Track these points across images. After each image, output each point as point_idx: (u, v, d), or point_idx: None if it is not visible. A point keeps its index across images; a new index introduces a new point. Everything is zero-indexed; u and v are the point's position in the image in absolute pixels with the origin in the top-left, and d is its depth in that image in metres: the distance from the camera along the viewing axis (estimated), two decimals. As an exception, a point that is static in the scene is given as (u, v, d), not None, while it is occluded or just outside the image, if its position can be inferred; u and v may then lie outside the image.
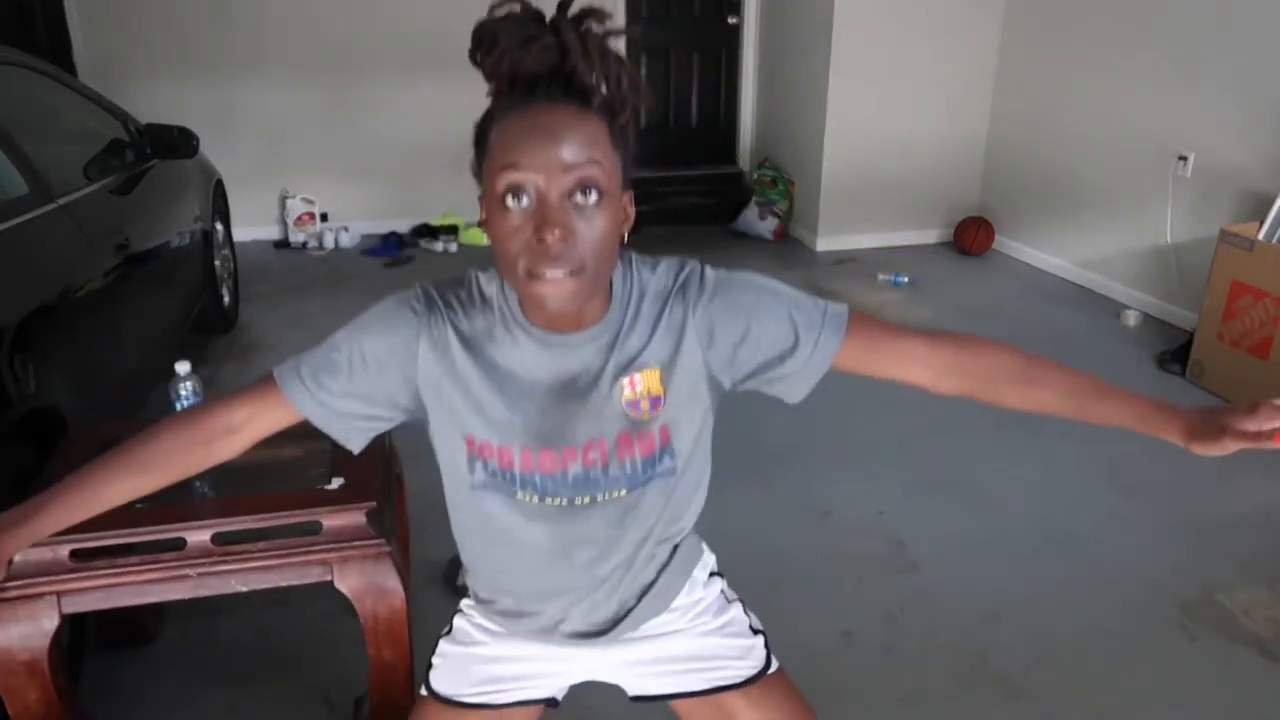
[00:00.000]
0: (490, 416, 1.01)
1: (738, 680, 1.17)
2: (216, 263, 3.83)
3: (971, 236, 5.18)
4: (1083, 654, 2.11)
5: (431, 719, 1.20)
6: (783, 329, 1.03)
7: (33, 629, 1.54)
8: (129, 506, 1.65)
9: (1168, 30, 4.02)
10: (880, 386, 3.67)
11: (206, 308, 3.71)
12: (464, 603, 1.27)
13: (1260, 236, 3.27)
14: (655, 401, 1.02)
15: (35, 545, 1.52)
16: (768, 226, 5.48)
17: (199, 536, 1.58)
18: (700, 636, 1.20)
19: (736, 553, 2.40)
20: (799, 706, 1.20)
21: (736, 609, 1.25)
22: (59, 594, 1.55)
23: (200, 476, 1.79)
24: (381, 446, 1.90)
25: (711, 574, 1.26)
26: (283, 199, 5.39)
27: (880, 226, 5.31)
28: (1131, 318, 4.14)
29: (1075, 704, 1.97)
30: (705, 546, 1.27)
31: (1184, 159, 3.97)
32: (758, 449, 2.90)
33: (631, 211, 0.97)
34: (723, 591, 1.26)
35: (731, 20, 5.83)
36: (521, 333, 1.00)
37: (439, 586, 2.30)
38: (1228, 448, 1.02)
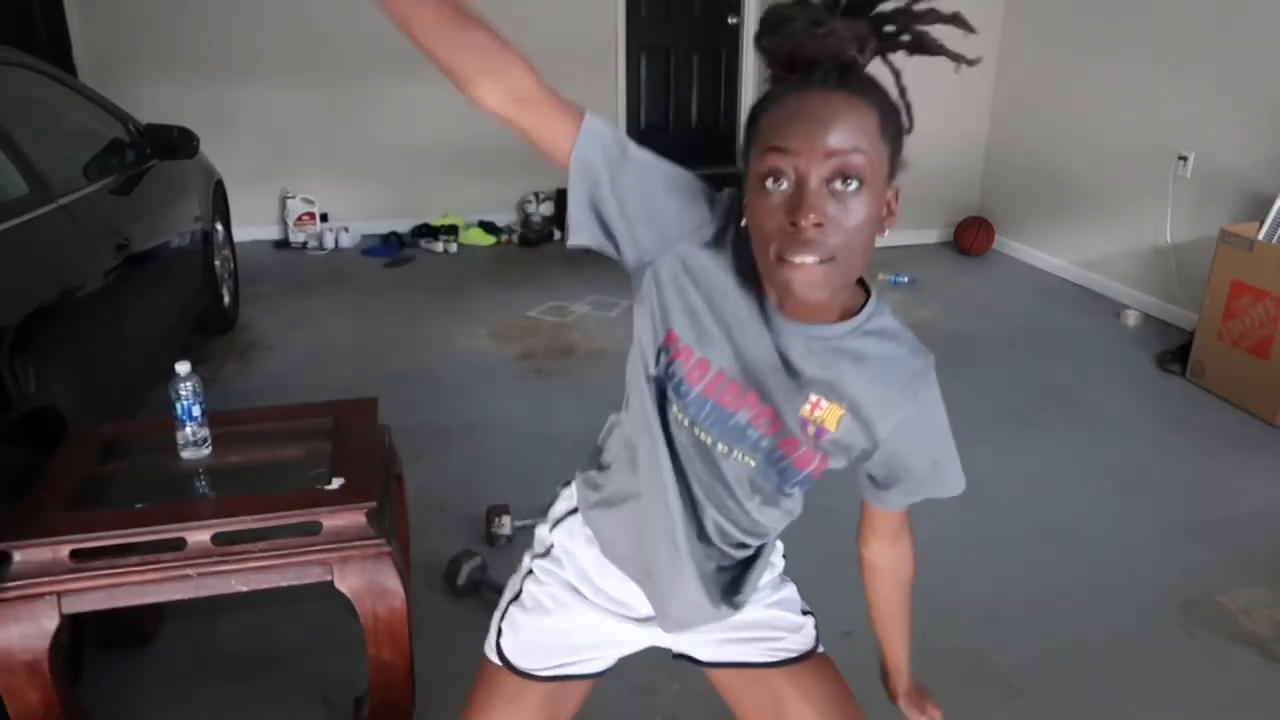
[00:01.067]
0: (706, 331, 0.99)
1: (785, 657, 1.21)
2: (216, 263, 3.83)
3: (971, 236, 5.18)
4: (1083, 654, 2.11)
5: (503, 688, 1.21)
6: (932, 465, 1.12)
7: (33, 629, 1.54)
8: (130, 505, 1.66)
9: (1168, 30, 4.02)
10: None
11: (206, 308, 3.70)
12: (537, 564, 1.25)
13: (1260, 236, 3.27)
14: (821, 431, 1.02)
15: (35, 545, 1.53)
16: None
17: (199, 536, 1.59)
18: (763, 608, 1.24)
19: (736, 553, 2.41)
20: (841, 689, 1.24)
21: (791, 587, 1.31)
22: (59, 594, 1.55)
23: (200, 476, 1.81)
24: (382, 446, 1.91)
25: (780, 549, 1.33)
26: (283, 199, 5.39)
27: (880, 226, 5.30)
28: (1131, 318, 4.14)
29: (1075, 704, 1.97)
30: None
31: (1184, 159, 3.97)
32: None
33: (896, 208, 0.95)
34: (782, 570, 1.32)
35: (731, 20, 5.83)
36: (756, 301, 0.98)
37: (439, 586, 2.30)
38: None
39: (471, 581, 2.27)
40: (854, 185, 0.87)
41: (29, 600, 1.53)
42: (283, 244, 5.40)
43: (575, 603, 1.22)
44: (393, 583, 1.66)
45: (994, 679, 2.03)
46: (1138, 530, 2.61)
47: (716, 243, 0.99)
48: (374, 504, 1.64)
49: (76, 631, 1.95)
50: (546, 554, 1.25)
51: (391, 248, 5.28)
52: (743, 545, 1.15)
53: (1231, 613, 2.25)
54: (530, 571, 1.25)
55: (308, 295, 4.56)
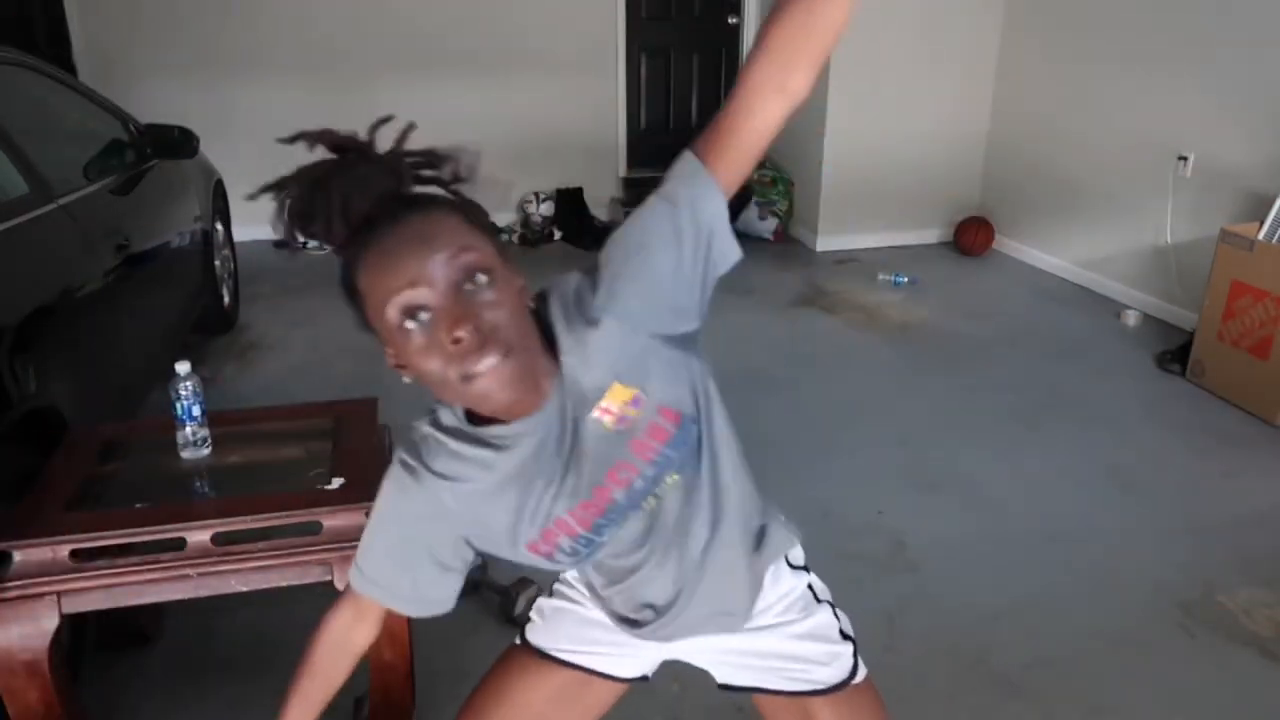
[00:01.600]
0: (522, 520, 1.03)
1: (821, 687, 1.18)
2: (216, 263, 3.83)
3: (971, 236, 5.18)
4: (1083, 654, 2.11)
5: (520, 666, 1.22)
6: (667, 240, 0.94)
7: (33, 629, 1.54)
8: (130, 505, 1.66)
9: (1168, 31, 4.02)
10: (880, 385, 3.68)
11: (206, 308, 3.70)
12: (565, 575, 1.30)
13: (1260, 236, 3.27)
14: (635, 402, 0.97)
15: (35, 545, 1.53)
16: (768, 226, 5.48)
17: (199, 536, 1.59)
18: (789, 639, 1.21)
19: (736, 553, 2.41)
20: (879, 717, 1.22)
21: (826, 612, 1.24)
22: (59, 594, 1.55)
23: (200, 476, 1.81)
24: (382, 446, 1.90)
25: (798, 568, 1.27)
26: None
27: (880, 226, 5.31)
28: (1131, 318, 4.14)
29: (1075, 704, 1.97)
30: (796, 539, 1.27)
31: (1184, 159, 3.97)
32: (757, 449, 2.89)
33: (522, 282, 0.94)
34: (811, 587, 1.26)
35: (731, 20, 5.83)
36: (494, 441, 0.99)
37: (439, 586, 2.30)
38: None
39: (471, 581, 2.27)
40: (484, 279, 0.87)
41: (29, 600, 1.53)
42: (283, 244, 5.39)
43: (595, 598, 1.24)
44: (393, 583, 1.66)
45: (994, 679, 2.03)
46: (1137, 530, 2.61)
47: (436, 487, 1.03)
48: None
49: (76, 631, 1.95)
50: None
51: (391, 248, 5.27)
52: (741, 510, 1.13)
53: (1231, 613, 2.25)
54: (560, 577, 1.30)
55: (308, 295, 4.56)
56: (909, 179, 5.22)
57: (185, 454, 1.81)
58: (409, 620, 1.70)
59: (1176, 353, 3.65)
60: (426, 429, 1.05)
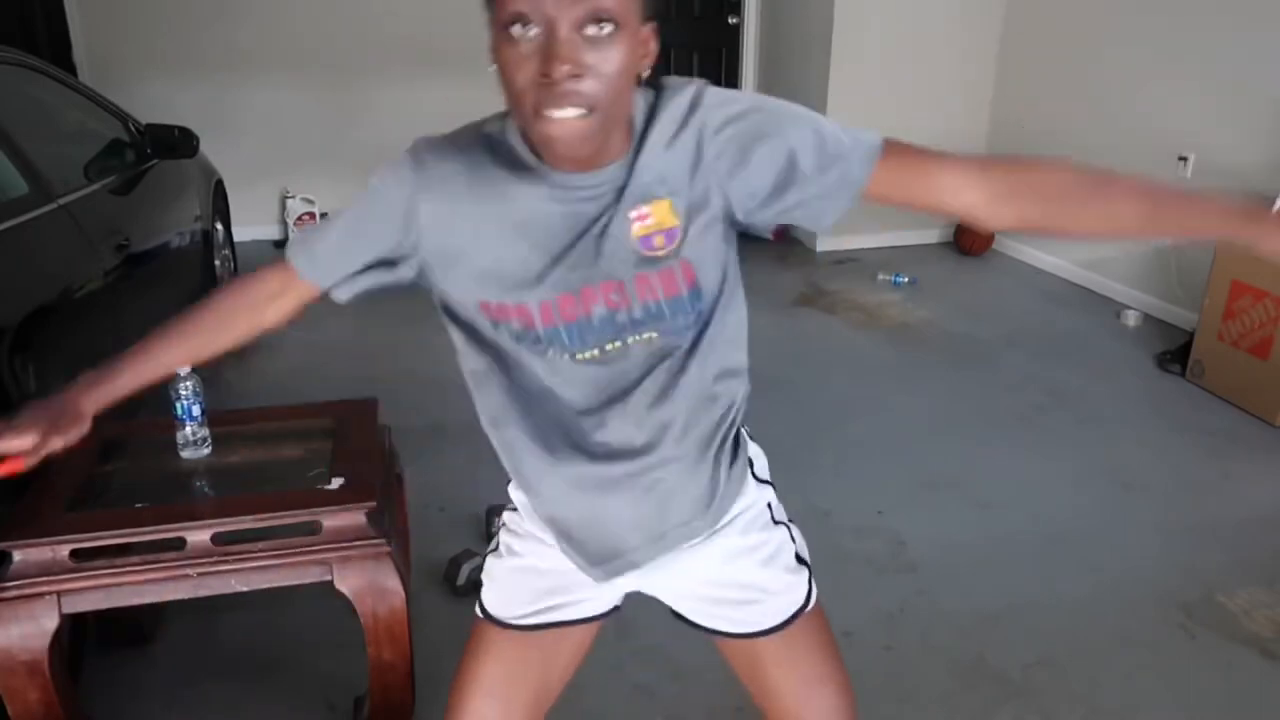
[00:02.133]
0: (504, 270, 0.96)
1: (772, 625, 1.15)
2: (216, 263, 3.83)
3: (971, 236, 5.18)
4: (1083, 654, 2.11)
5: (492, 643, 1.17)
6: (807, 151, 0.94)
7: (33, 629, 1.54)
8: (130, 505, 1.66)
9: (1168, 30, 4.02)
10: (879, 385, 3.68)
11: (206, 308, 3.70)
12: (507, 515, 1.22)
13: (1260, 236, 3.27)
14: (670, 235, 0.94)
15: (35, 545, 1.53)
16: (768, 226, 5.47)
17: (199, 536, 1.59)
18: (745, 561, 1.15)
19: (736, 553, 2.40)
20: (827, 650, 1.19)
21: (783, 533, 1.19)
22: (59, 594, 1.55)
23: (200, 476, 1.81)
24: (381, 446, 1.91)
25: (763, 481, 1.20)
26: (283, 199, 5.39)
27: (880, 226, 5.30)
28: (1131, 318, 4.14)
29: (1075, 704, 1.97)
30: (758, 447, 1.22)
31: (1184, 159, 3.97)
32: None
33: (654, 47, 0.89)
34: (770, 506, 1.20)
35: (731, 20, 5.83)
36: (531, 174, 0.94)
37: (439, 586, 2.30)
38: None
39: (471, 581, 2.27)
40: (608, 29, 0.81)
41: (29, 600, 1.53)
42: (283, 244, 5.40)
43: (545, 545, 1.16)
44: (393, 583, 1.66)
45: (994, 679, 2.03)
46: (1138, 530, 2.61)
47: (439, 186, 0.97)
48: (374, 504, 1.64)
49: (76, 631, 1.95)
50: (515, 509, 1.21)
51: (391, 248, 5.27)
52: (713, 397, 1.07)
53: (1231, 613, 2.25)
54: (504, 524, 1.22)
55: (308, 295, 4.55)
56: (909, 179, 5.21)
57: (185, 454, 1.81)
58: (409, 620, 1.70)
59: (1176, 353, 3.65)
60: (472, 124, 0.99)
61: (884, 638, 2.16)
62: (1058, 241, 4.81)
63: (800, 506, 2.68)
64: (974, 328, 4.13)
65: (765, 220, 1.00)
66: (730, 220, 1.00)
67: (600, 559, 1.11)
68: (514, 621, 1.16)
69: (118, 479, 1.80)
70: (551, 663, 1.18)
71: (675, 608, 1.21)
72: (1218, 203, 0.91)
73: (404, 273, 1.03)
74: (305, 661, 2.08)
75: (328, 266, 1.06)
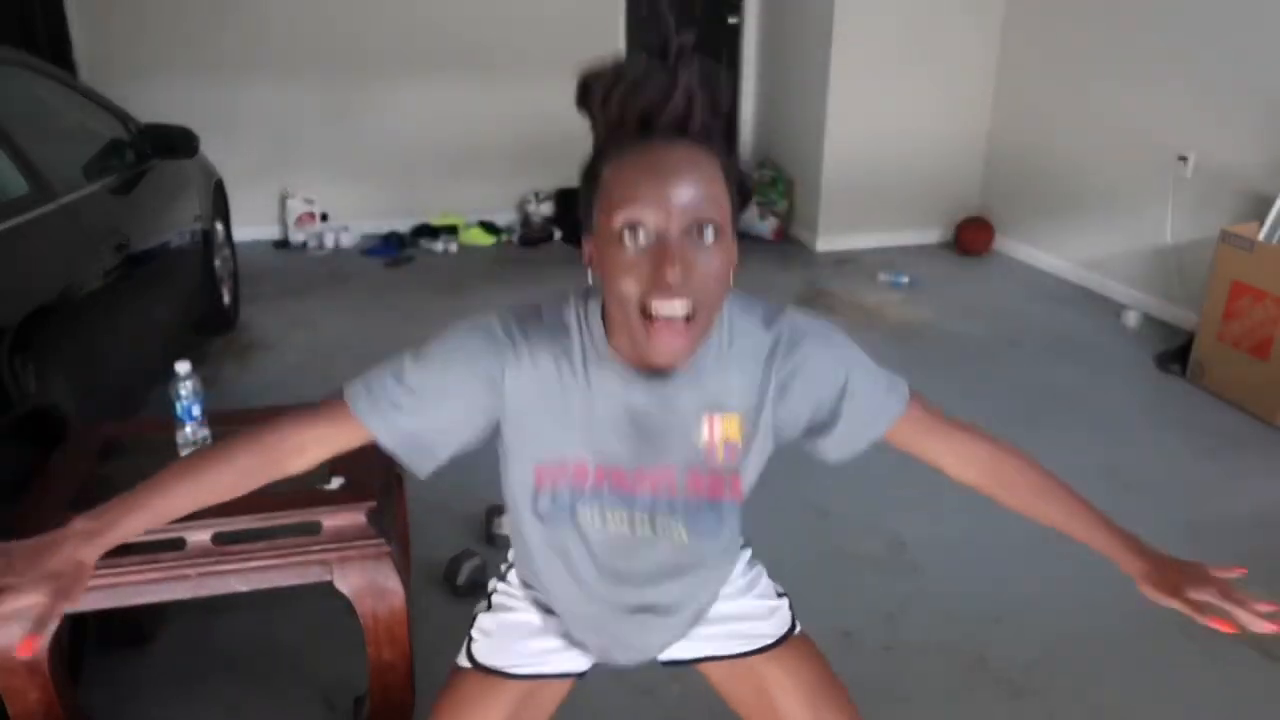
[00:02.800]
0: (566, 435, 1.02)
1: (766, 643, 1.22)
2: (216, 263, 3.83)
3: (971, 236, 5.18)
4: (1083, 654, 2.11)
5: (470, 690, 1.20)
6: (852, 400, 1.06)
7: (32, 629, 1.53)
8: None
9: (1168, 31, 4.02)
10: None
11: (206, 308, 3.70)
12: (501, 586, 1.29)
13: (1260, 237, 3.27)
14: (731, 449, 1.03)
15: (35, 545, 1.52)
16: (767, 226, 5.48)
17: (199, 536, 1.59)
18: (729, 599, 1.25)
19: (736, 553, 2.40)
20: (822, 668, 1.24)
21: (761, 571, 1.31)
22: (59, 594, 1.54)
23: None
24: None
25: (741, 549, 1.32)
26: (283, 199, 5.39)
27: (880, 226, 5.31)
28: (1131, 318, 4.14)
29: (1075, 704, 1.97)
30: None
31: (1184, 159, 3.97)
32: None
33: (734, 253, 0.95)
34: (744, 547, 1.32)
35: (731, 20, 5.84)
36: (603, 363, 1.00)
37: (439, 586, 2.30)
38: (1172, 604, 1.07)
39: (471, 581, 2.27)
40: (711, 235, 0.88)
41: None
42: (283, 244, 5.40)
43: (540, 613, 1.25)
44: (393, 583, 1.66)
45: (994, 679, 2.03)
46: (1138, 530, 2.58)
47: (524, 360, 1.00)
48: (374, 504, 1.64)
49: (76, 631, 1.95)
50: (509, 585, 1.30)
51: (391, 248, 5.28)
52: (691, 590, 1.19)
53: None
54: (495, 589, 1.30)
55: (308, 295, 4.56)
56: (909, 179, 5.22)
57: (185, 454, 1.81)
58: (409, 620, 1.70)
59: (1177, 353, 3.65)
60: (549, 307, 1.04)
61: (884, 638, 2.16)
62: (1058, 242, 4.82)
63: (800, 506, 2.69)
64: (974, 328, 4.13)
65: (791, 441, 1.11)
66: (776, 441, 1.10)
67: (604, 657, 1.23)
68: (505, 670, 1.21)
69: (118, 479, 1.79)
70: (538, 709, 1.23)
71: (667, 655, 1.27)
72: (1117, 536, 1.11)
73: (480, 430, 1.05)
74: (305, 661, 2.08)
75: (396, 423, 1.02)
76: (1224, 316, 3.35)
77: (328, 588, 1.65)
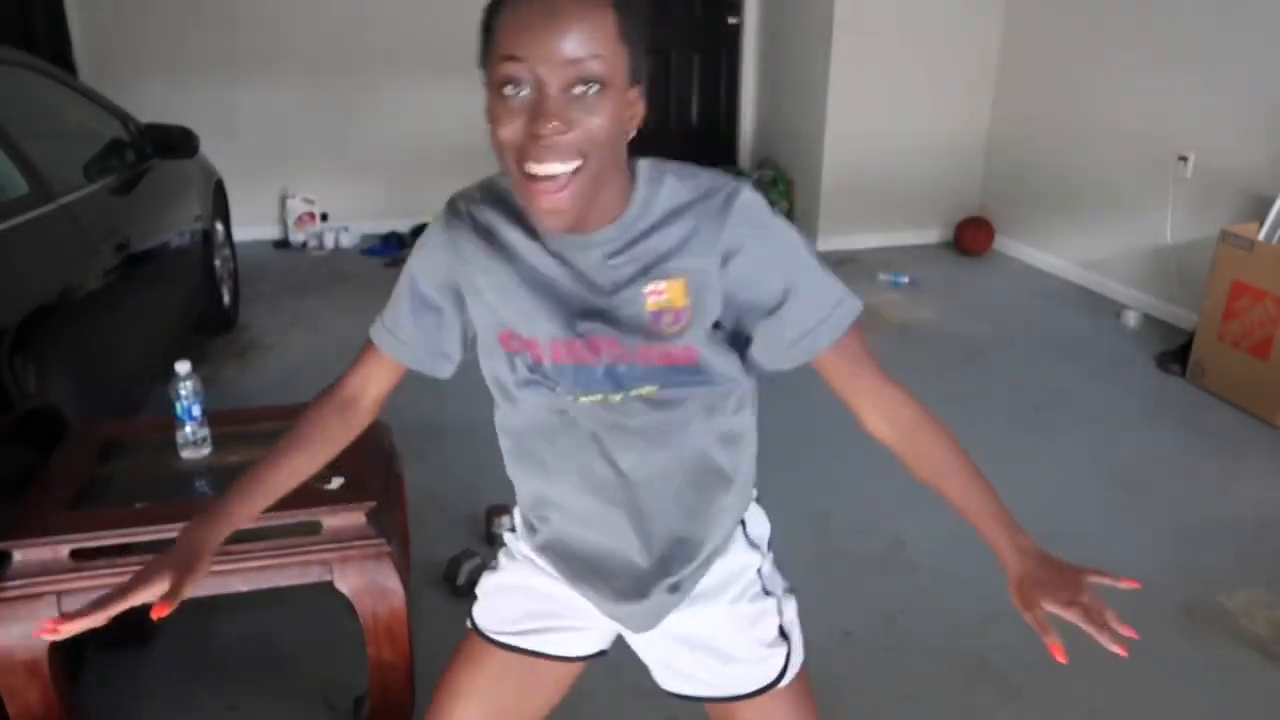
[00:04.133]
0: (518, 304, 1.00)
1: (746, 691, 1.15)
2: (216, 263, 3.83)
3: (971, 236, 5.18)
4: (1083, 654, 2.11)
5: (469, 654, 1.21)
6: (799, 302, 1.00)
7: (33, 629, 1.54)
8: (129, 506, 1.66)
9: (1168, 30, 4.02)
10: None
11: (206, 308, 3.71)
12: (507, 535, 1.26)
13: (1260, 237, 3.27)
14: (678, 316, 0.97)
15: (35, 545, 1.53)
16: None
17: (199, 536, 1.58)
18: (731, 632, 1.16)
19: (736, 553, 2.40)
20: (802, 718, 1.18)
21: (771, 604, 1.18)
22: (59, 594, 1.55)
23: (200, 476, 1.81)
24: (381, 446, 1.91)
25: (753, 544, 1.20)
26: (283, 199, 5.39)
27: (880, 226, 5.31)
28: (1131, 318, 4.14)
29: (1075, 704, 1.97)
30: (760, 509, 1.23)
31: (1184, 159, 3.97)
32: (757, 448, 2.89)
33: (641, 108, 0.92)
34: (760, 573, 1.18)
35: (731, 20, 5.83)
36: (530, 230, 0.99)
37: (439, 586, 2.30)
38: (1026, 617, 1.03)
39: (471, 581, 2.27)
40: (594, 89, 0.85)
41: (29, 600, 1.53)
42: (282, 244, 5.40)
43: (540, 571, 1.19)
44: (393, 583, 1.66)
45: (994, 679, 2.04)
46: (1137, 530, 2.61)
47: (465, 229, 1.03)
48: (374, 504, 1.64)
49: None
50: (514, 530, 1.25)
51: (391, 248, 5.28)
52: (716, 471, 1.11)
53: (1231, 613, 2.25)
54: (503, 543, 1.27)
55: (308, 295, 4.56)
56: (909, 179, 5.22)
57: (185, 454, 1.81)
58: (409, 620, 1.70)
59: (1177, 353, 3.65)
60: (487, 183, 1.05)
61: (884, 638, 2.16)
62: (1058, 242, 4.82)
63: (800, 506, 2.69)
64: (974, 328, 4.13)
65: (729, 326, 1.03)
66: (723, 324, 1.02)
67: (608, 581, 1.14)
68: (496, 636, 1.19)
69: (118, 479, 1.80)
70: (526, 691, 1.19)
71: (652, 670, 1.22)
72: (1009, 531, 1.08)
73: (461, 313, 1.09)
74: (305, 661, 2.08)
75: (409, 341, 1.10)
76: (1224, 316, 3.35)
77: (328, 588, 1.65)
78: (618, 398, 1.01)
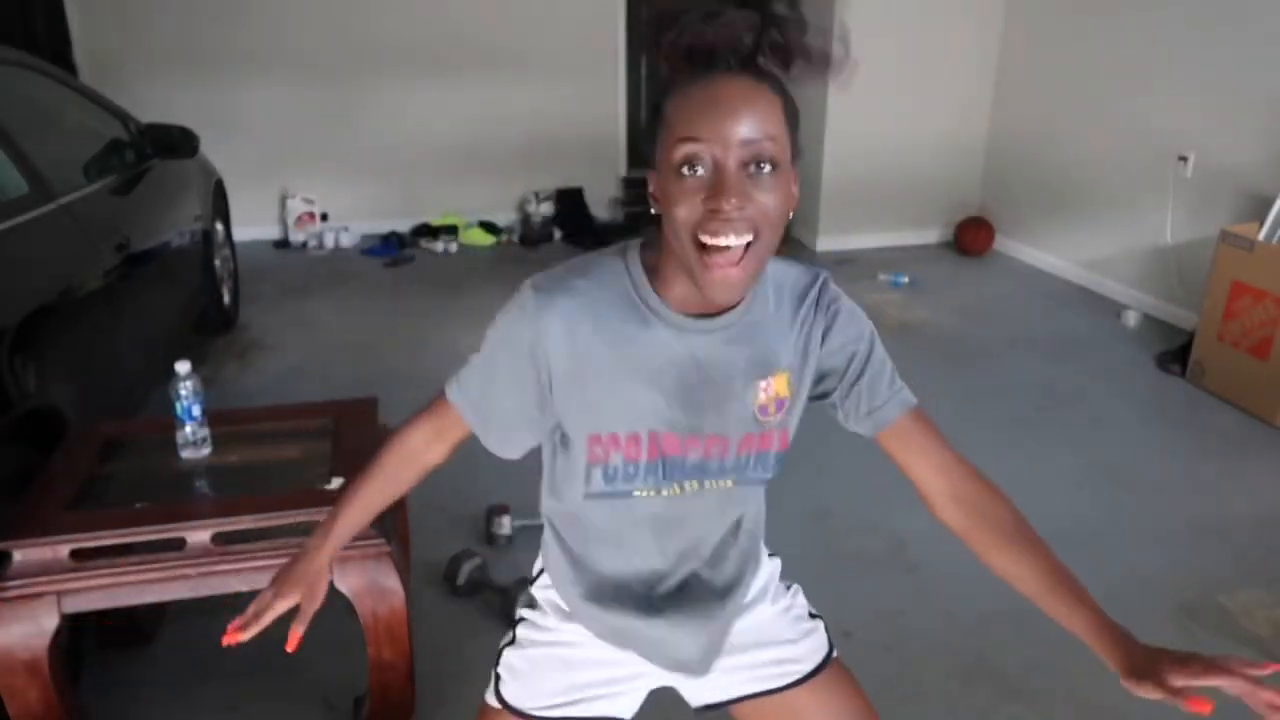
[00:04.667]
0: (622, 401, 1.00)
1: (799, 676, 1.18)
2: (216, 263, 3.83)
3: (971, 236, 5.18)
4: (1083, 654, 2.10)
5: None
6: (875, 374, 1.07)
7: (33, 629, 1.54)
8: (130, 505, 1.66)
9: (1168, 30, 4.02)
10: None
11: (206, 308, 3.71)
12: (530, 614, 1.24)
13: (1260, 237, 3.27)
14: (780, 405, 1.05)
15: (35, 545, 1.53)
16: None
17: (199, 536, 1.59)
18: (779, 625, 1.22)
19: (736, 553, 2.40)
20: (857, 695, 1.21)
21: (798, 594, 1.27)
22: (59, 594, 1.55)
23: (200, 476, 1.81)
24: (381, 446, 1.90)
25: (771, 554, 1.29)
26: (283, 199, 5.39)
27: (880, 226, 5.31)
28: (1131, 318, 4.14)
29: (1075, 704, 1.97)
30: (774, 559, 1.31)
31: (1184, 159, 3.97)
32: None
33: (796, 191, 0.95)
34: (778, 573, 1.28)
35: (731, 20, 5.83)
36: (651, 313, 0.99)
37: (439, 586, 2.30)
38: (1153, 694, 0.96)
39: (471, 581, 2.27)
40: (768, 169, 0.89)
41: (29, 600, 1.53)
42: (282, 244, 5.40)
43: (576, 638, 1.19)
44: (393, 583, 1.66)
45: (994, 679, 2.04)
46: (1137, 530, 2.61)
47: (559, 322, 0.99)
48: (374, 504, 1.64)
49: (76, 631, 1.95)
50: (535, 606, 1.24)
51: (391, 248, 5.28)
52: (749, 530, 1.18)
53: (1231, 613, 2.25)
54: (522, 619, 1.24)
55: (308, 295, 4.56)
56: (909, 179, 5.22)
57: (185, 454, 1.81)
58: (409, 620, 1.70)
59: (1176, 353, 3.65)
60: (592, 258, 1.04)
61: (884, 638, 2.16)
62: (1058, 242, 4.82)
63: (800, 506, 2.69)
64: (974, 328, 4.13)
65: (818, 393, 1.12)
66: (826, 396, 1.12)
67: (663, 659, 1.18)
68: (540, 714, 1.17)
69: (118, 479, 1.80)
70: None
71: (699, 698, 1.22)
72: (1098, 617, 1.03)
73: (542, 421, 1.07)
74: (305, 661, 2.07)
75: (487, 415, 1.08)
76: (1224, 316, 3.35)
77: (328, 588, 1.65)
78: (695, 486, 1.06)
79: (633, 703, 1.22)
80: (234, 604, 1.79)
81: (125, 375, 2.53)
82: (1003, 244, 5.21)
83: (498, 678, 1.21)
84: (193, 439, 1.80)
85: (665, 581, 1.13)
